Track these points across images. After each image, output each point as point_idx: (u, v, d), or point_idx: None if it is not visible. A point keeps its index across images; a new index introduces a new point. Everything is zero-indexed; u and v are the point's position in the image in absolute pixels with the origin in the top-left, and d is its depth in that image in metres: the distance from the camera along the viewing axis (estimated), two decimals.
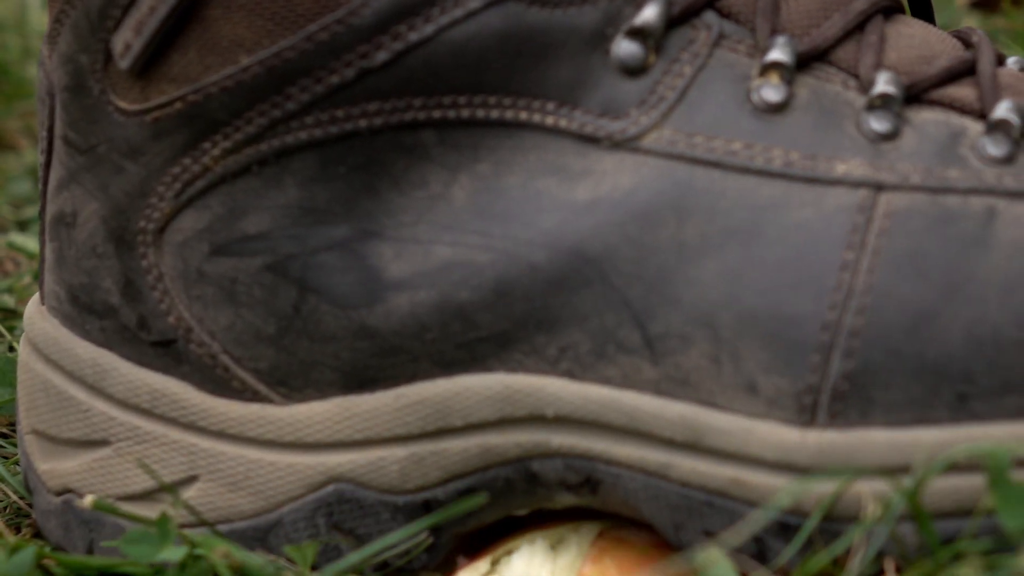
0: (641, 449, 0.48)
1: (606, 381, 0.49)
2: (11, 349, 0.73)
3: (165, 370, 0.53)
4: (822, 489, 0.47)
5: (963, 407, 0.47)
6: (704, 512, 0.48)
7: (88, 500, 0.51)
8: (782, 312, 0.48)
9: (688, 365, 0.48)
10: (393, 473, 0.51)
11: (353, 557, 0.51)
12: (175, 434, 0.53)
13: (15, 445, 0.64)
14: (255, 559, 0.50)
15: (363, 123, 0.50)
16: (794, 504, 0.47)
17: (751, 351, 0.48)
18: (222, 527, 0.52)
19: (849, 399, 0.47)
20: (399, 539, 0.51)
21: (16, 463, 0.61)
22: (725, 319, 0.48)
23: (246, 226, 0.51)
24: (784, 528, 0.47)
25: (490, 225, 0.49)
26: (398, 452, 0.51)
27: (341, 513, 0.51)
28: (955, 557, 0.46)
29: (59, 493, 0.54)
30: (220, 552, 0.49)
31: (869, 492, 0.47)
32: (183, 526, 0.52)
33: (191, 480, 0.52)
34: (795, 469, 0.47)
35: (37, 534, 0.57)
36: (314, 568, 0.52)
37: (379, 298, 0.50)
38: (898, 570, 0.46)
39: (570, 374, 0.49)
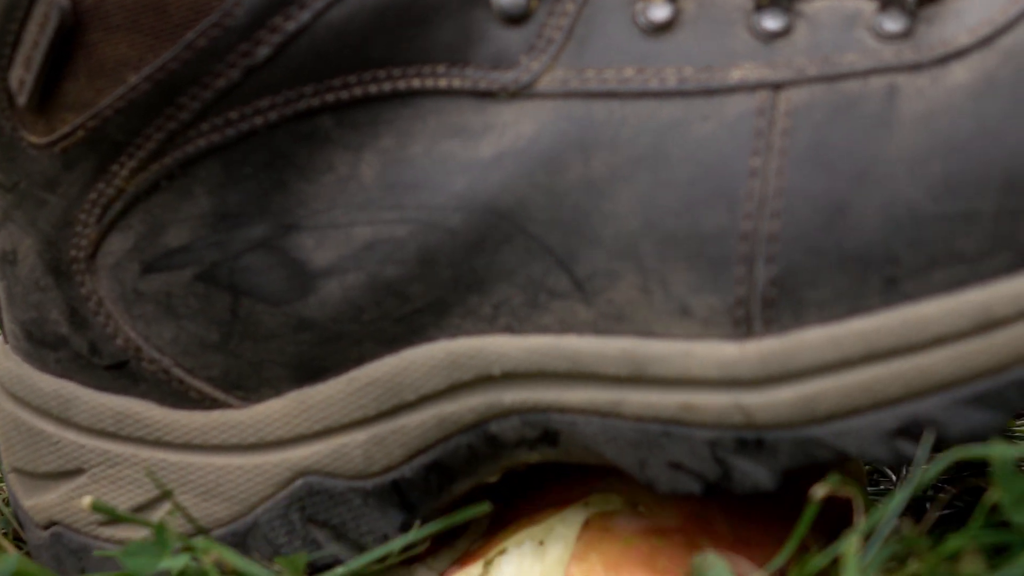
0: (590, 391, 0.48)
1: (545, 330, 0.49)
2: None
3: (124, 391, 0.53)
4: (766, 398, 0.47)
5: (893, 290, 0.46)
6: (663, 444, 0.48)
7: (86, 502, 0.51)
8: (700, 230, 0.47)
9: (620, 299, 0.48)
10: (357, 458, 0.51)
11: (350, 565, 0.51)
12: (145, 452, 0.53)
13: None
14: (250, 565, 0.50)
15: (258, 120, 0.50)
16: (746, 419, 0.47)
17: (677, 274, 0.47)
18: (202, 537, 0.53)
19: (780, 304, 0.47)
20: (393, 546, 0.51)
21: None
22: (647, 247, 0.48)
23: (169, 240, 0.51)
24: (743, 444, 0.47)
25: (402, 197, 0.49)
26: (359, 436, 0.51)
27: (313, 506, 0.52)
28: (957, 554, 0.45)
29: (46, 527, 0.55)
30: (213, 557, 0.49)
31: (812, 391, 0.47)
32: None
33: (166, 495, 0.53)
34: (740, 383, 0.47)
35: None
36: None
37: (310, 289, 0.50)
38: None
39: (509, 329, 0.49)
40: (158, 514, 0.53)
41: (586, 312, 0.48)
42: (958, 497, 0.55)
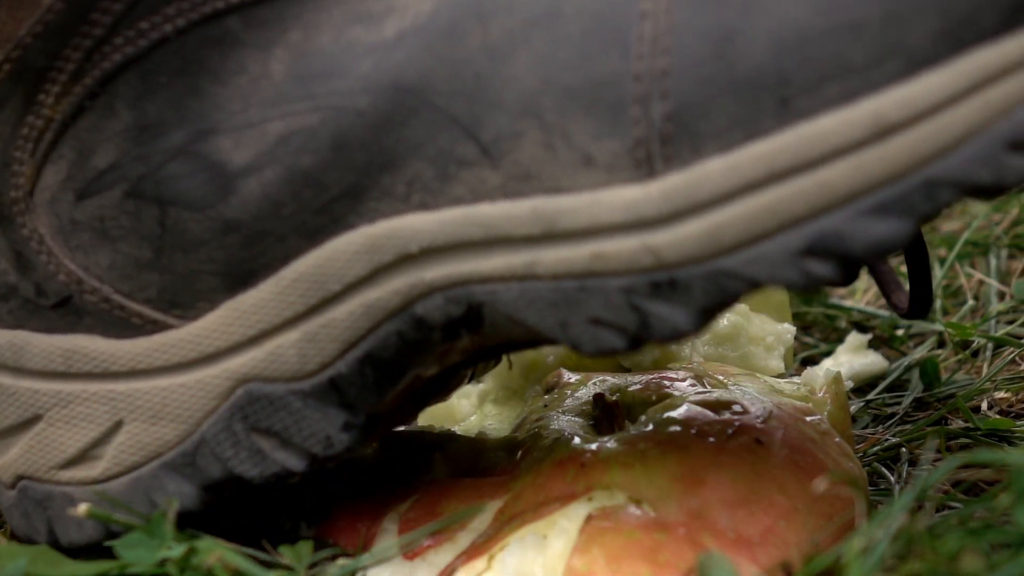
0: (505, 256, 0.49)
1: (458, 201, 0.49)
2: None
3: (71, 329, 0.54)
4: (672, 235, 0.47)
5: (787, 109, 0.46)
6: (580, 299, 0.48)
7: (82, 509, 0.52)
8: (596, 78, 0.48)
9: (525, 159, 0.48)
10: (292, 359, 0.51)
11: (350, 565, 0.51)
12: (94, 387, 0.54)
13: None
14: (250, 566, 0.50)
15: (168, 28, 0.51)
16: (656, 260, 0.47)
17: (578, 125, 0.48)
18: (155, 464, 0.53)
19: (677, 139, 0.47)
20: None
21: None
22: (547, 103, 0.48)
23: (97, 162, 0.52)
24: (656, 288, 0.47)
25: (313, 87, 0.50)
26: (291, 336, 0.51)
27: (255, 414, 0.52)
28: (957, 554, 0.45)
29: (13, 484, 0.55)
30: (215, 556, 0.50)
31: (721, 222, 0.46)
32: (118, 475, 0.53)
33: (118, 426, 0.53)
34: (646, 224, 0.47)
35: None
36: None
37: (231, 189, 0.51)
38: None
39: (424, 206, 0.49)
40: (113, 447, 0.53)
41: (495, 177, 0.49)
42: (958, 497, 0.55)
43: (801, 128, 0.46)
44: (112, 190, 0.52)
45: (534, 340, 0.50)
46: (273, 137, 0.51)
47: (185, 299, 0.52)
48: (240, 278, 0.52)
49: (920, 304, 0.59)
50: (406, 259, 0.50)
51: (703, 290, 0.47)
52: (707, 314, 0.47)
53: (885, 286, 0.63)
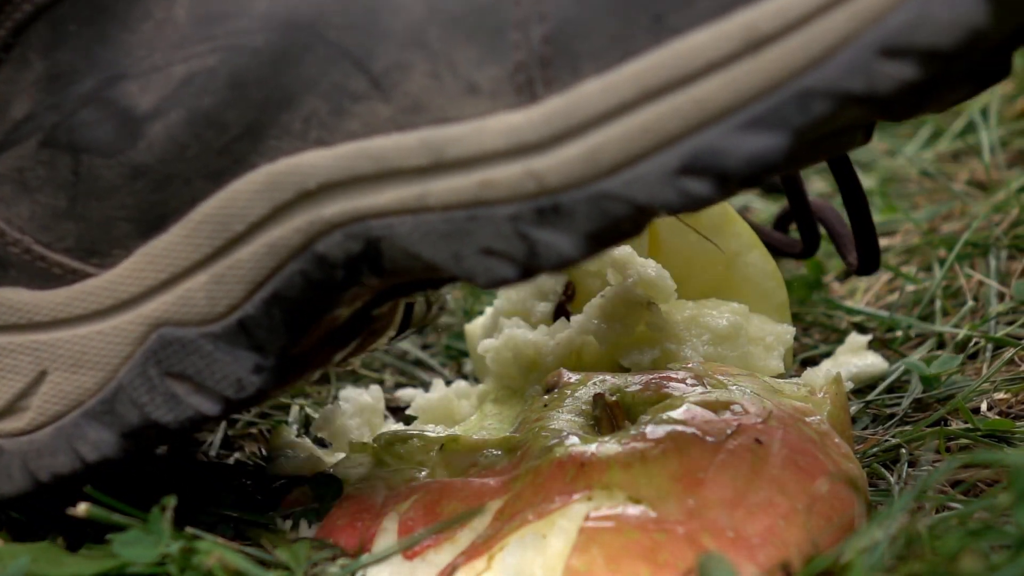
0: (398, 188, 0.49)
1: (352, 136, 0.50)
2: None
3: None
4: (554, 159, 0.47)
5: (661, 26, 0.47)
6: (471, 229, 0.49)
7: (82, 509, 0.51)
8: (478, 4, 0.49)
9: (414, 90, 0.49)
10: (201, 302, 0.52)
11: (351, 566, 0.51)
12: (19, 338, 0.54)
13: None
14: (250, 566, 0.50)
15: None
16: (539, 186, 0.47)
17: (462, 53, 0.49)
18: (76, 412, 0.54)
19: (556, 62, 0.48)
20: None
21: None
22: (434, 33, 0.49)
23: (15, 113, 0.53)
24: (541, 214, 0.48)
25: (212, 28, 0.51)
26: (200, 279, 0.52)
27: (168, 358, 0.53)
28: (957, 554, 0.45)
29: None
30: (215, 556, 0.50)
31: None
32: (43, 425, 0.54)
33: (42, 376, 0.54)
34: (528, 148, 0.48)
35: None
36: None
37: (139, 134, 0.52)
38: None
39: (321, 142, 0.50)
40: (38, 397, 0.54)
41: (386, 109, 0.49)
42: (958, 498, 0.55)
43: (675, 45, 0.46)
44: (28, 140, 0.53)
45: (434, 277, 0.51)
46: (177, 80, 0.52)
47: (102, 247, 0.53)
48: (152, 223, 0.52)
49: (867, 259, 0.60)
50: (305, 196, 0.51)
51: (586, 215, 0.47)
52: (593, 240, 0.47)
53: (841, 248, 0.64)
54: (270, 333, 0.52)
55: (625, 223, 0.47)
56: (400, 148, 0.49)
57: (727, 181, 0.46)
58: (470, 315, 0.80)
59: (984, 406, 0.65)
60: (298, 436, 0.66)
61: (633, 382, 0.58)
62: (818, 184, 1.00)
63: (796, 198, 0.61)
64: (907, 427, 0.65)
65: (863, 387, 0.70)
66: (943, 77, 0.46)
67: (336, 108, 0.50)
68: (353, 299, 0.52)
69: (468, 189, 0.48)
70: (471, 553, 0.51)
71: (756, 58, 0.46)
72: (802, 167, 0.54)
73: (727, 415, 0.54)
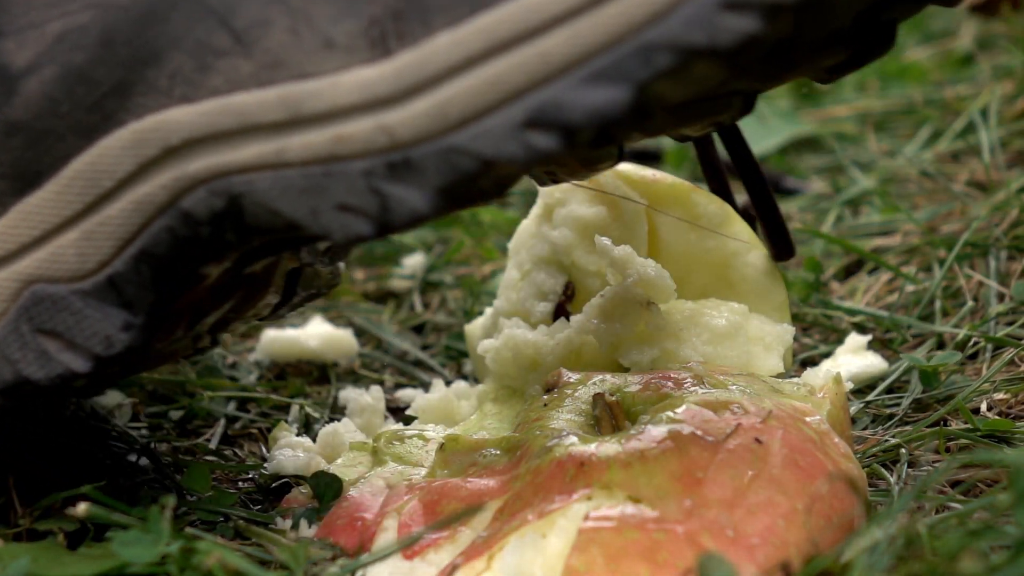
0: (258, 144, 0.50)
1: (215, 92, 0.51)
2: None
3: None
4: (404, 113, 0.48)
5: None
6: (327, 185, 0.49)
7: (81, 509, 0.51)
8: None
9: (274, 45, 0.50)
10: (72, 258, 0.52)
11: (351, 565, 0.51)
12: None
13: None
14: (250, 566, 0.50)
15: None
16: (391, 140, 0.48)
17: (320, 9, 0.49)
18: None
19: (409, 16, 0.48)
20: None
21: None
22: None
23: None
24: (392, 168, 0.48)
25: None
26: (70, 235, 0.52)
27: (39, 315, 0.53)
28: (957, 554, 0.45)
29: None
30: (215, 556, 0.50)
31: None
32: None
33: None
34: (381, 103, 0.48)
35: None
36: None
37: (14, 91, 0.53)
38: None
39: (186, 98, 0.51)
40: None
41: (247, 65, 0.50)
42: (957, 498, 0.55)
43: None
44: None
45: (297, 235, 0.51)
46: (51, 37, 0.52)
47: None
48: (27, 180, 0.53)
49: (780, 246, 0.62)
50: (170, 153, 0.51)
51: (436, 169, 0.48)
52: (446, 196, 0.48)
53: (769, 237, 0.64)
54: (139, 290, 0.52)
55: (477, 179, 0.48)
56: (260, 104, 0.50)
57: (572, 135, 0.46)
58: (470, 315, 0.80)
59: (984, 406, 0.65)
60: (298, 436, 0.66)
61: (633, 382, 0.58)
62: (818, 184, 1.01)
63: (763, 207, 0.61)
64: (907, 427, 0.65)
65: (863, 387, 0.70)
66: (797, 35, 0.46)
67: (200, 64, 0.51)
68: (221, 257, 0.53)
69: (323, 144, 0.49)
70: (471, 553, 0.51)
71: (599, 12, 0.46)
72: (668, 130, 0.54)
73: (727, 415, 0.54)
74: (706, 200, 0.66)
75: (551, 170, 0.56)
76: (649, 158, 1.04)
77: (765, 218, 0.62)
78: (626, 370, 0.62)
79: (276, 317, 0.61)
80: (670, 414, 0.54)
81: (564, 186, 0.66)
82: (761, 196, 0.61)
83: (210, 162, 0.51)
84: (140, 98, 0.51)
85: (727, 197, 0.66)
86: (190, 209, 0.51)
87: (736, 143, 0.63)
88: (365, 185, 0.49)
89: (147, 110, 0.51)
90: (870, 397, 0.69)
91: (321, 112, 0.49)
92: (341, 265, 0.62)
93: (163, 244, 0.52)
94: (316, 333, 0.77)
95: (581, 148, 0.47)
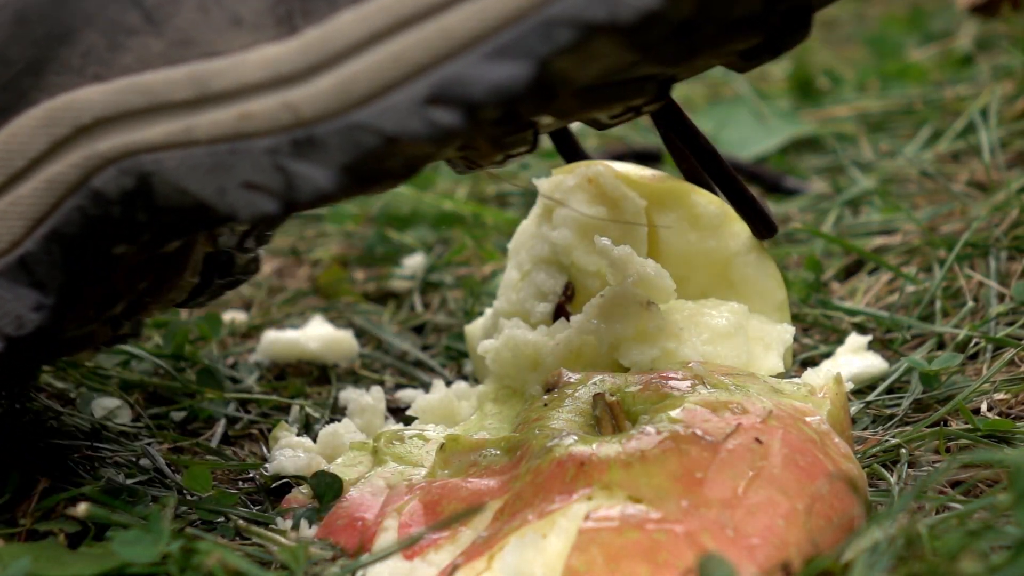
0: (166, 123, 0.50)
1: (127, 70, 0.51)
2: None
3: None
4: (308, 90, 0.48)
5: None
6: (233, 163, 0.49)
7: (81, 509, 0.51)
8: None
9: (184, 23, 0.50)
10: None
11: (351, 565, 0.51)
12: None
13: None
14: (250, 566, 0.50)
15: None
16: (295, 117, 0.48)
17: None
18: None
19: None
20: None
21: None
22: None
23: None
24: (297, 146, 0.48)
25: None
26: None
27: None
28: (957, 554, 0.45)
29: None
30: (215, 557, 0.50)
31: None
32: None
33: None
34: (285, 80, 0.48)
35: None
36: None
37: None
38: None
39: (98, 77, 0.51)
40: None
41: (158, 44, 0.50)
42: (958, 498, 0.55)
43: None
44: None
45: (205, 215, 0.51)
46: None
47: None
48: None
49: (757, 223, 0.62)
50: (81, 131, 0.51)
51: (339, 146, 0.48)
52: (350, 173, 0.48)
53: (744, 216, 0.65)
54: (50, 270, 0.52)
55: (382, 157, 0.48)
56: (169, 82, 0.50)
57: (474, 111, 0.47)
58: (470, 316, 0.80)
59: (984, 407, 0.65)
60: (298, 436, 0.66)
61: (633, 382, 0.58)
62: (818, 184, 1.01)
63: (731, 193, 0.61)
64: (907, 427, 0.65)
65: (863, 387, 0.70)
66: (702, 15, 0.47)
67: (112, 43, 0.51)
68: (132, 237, 0.52)
69: (229, 122, 0.49)
70: (471, 553, 0.51)
71: None
72: (579, 113, 0.54)
73: (727, 415, 0.54)
74: (706, 200, 0.66)
75: (465, 155, 0.56)
76: (649, 158, 1.04)
77: (732, 198, 0.62)
78: (626, 370, 0.62)
79: (195, 304, 0.61)
80: (670, 414, 0.54)
81: (564, 187, 0.66)
82: (719, 175, 0.61)
83: (120, 141, 0.51)
84: (53, 76, 0.51)
85: (699, 180, 0.66)
86: (101, 188, 0.51)
87: (679, 127, 0.62)
88: (270, 163, 0.49)
89: (59, 89, 0.51)
90: (870, 397, 0.69)
91: (228, 90, 0.49)
92: (260, 252, 0.63)
93: (74, 224, 0.52)
94: (316, 334, 0.77)
95: (486, 126, 0.47)
